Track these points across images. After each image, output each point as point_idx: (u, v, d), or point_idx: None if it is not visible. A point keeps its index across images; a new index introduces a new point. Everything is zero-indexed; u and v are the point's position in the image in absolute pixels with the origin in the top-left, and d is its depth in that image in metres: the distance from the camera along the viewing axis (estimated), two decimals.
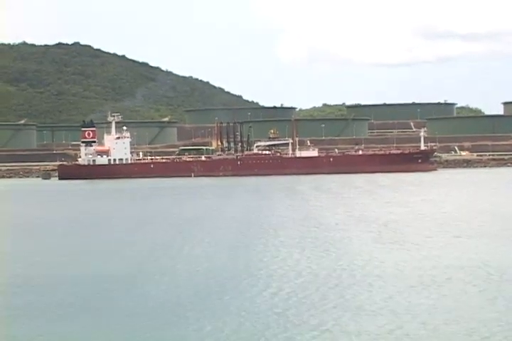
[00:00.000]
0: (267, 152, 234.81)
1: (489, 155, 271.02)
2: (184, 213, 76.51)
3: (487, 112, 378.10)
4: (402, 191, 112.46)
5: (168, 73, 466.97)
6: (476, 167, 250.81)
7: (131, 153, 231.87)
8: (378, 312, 27.46)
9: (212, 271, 37.70)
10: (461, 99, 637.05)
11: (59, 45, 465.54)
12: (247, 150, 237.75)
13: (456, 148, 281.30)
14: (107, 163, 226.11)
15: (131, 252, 45.99)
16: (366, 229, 55.56)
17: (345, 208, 76.91)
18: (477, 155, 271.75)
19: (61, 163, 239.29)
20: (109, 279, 36.14)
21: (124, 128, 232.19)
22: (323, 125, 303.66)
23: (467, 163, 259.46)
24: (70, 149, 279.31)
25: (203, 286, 33.49)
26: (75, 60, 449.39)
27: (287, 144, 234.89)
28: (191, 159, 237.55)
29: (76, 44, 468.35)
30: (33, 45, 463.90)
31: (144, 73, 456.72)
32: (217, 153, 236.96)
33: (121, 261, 42.29)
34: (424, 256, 40.96)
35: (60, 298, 31.67)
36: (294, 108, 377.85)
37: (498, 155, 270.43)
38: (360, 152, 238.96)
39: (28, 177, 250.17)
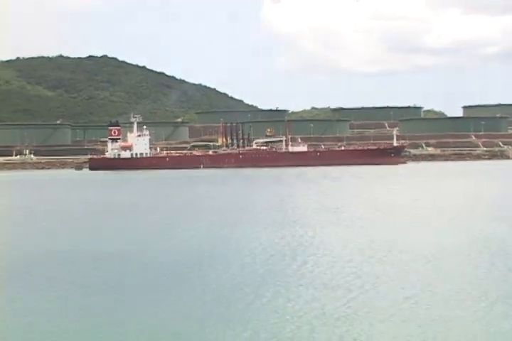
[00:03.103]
0: (264, 147, 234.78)
1: (451, 150, 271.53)
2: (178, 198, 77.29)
3: (449, 114, 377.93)
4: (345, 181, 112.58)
5: (182, 81, 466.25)
6: (440, 160, 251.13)
7: (150, 148, 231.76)
8: None
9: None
10: (428, 103, 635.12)
11: (90, 57, 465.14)
12: (247, 146, 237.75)
13: (423, 144, 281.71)
14: (129, 156, 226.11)
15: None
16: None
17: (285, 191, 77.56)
18: (440, 151, 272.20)
19: (91, 156, 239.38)
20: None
21: (144, 127, 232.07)
22: (312, 125, 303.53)
23: (432, 157, 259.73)
24: (98, 145, 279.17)
25: None
26: (103, 69, 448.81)
27: (281, 141, 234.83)
28: (200, 153, 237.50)
29: (104, 56, 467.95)
30: (68, 58, 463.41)
31: (161, 81, 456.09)
32: (223, 149, 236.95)
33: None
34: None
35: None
36: (287, 110, 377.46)
37: (458, 150, 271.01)
38: (343, 148, 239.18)
39: (63, 168, 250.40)
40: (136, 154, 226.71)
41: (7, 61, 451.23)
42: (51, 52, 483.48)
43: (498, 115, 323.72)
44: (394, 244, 34.81)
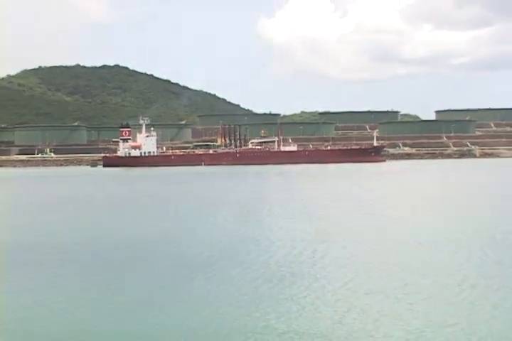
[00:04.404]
0: (259, 147, 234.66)
1: (424, 150, 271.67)
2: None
3: (423, 118, 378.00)
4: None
5: (185, 88, 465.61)
6: (415, 159, 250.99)
7: (157, 147, 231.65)
8: None
9: None
10: (404, 108, 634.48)
11: (104, 66, 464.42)
12: (244, 145, 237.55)
13: (400, 144, 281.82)
14: (139, 155, 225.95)
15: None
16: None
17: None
18: (415, 150, 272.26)
19: (105, 154, 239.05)
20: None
21: (152, 128, 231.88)
22: (301, 127, 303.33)
23: (408, 156, 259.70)
24: (111, 144, 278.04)
25: None
26: (115, 77, 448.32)
27: (274, 141, 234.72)
28: (202, 152, 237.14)
29: (116, 66, 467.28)
30: (84, 67, 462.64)
31: (167, 88, 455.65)
32: (222, 148, 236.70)
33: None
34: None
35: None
36: (279, 114, 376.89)
37: (431, 150, 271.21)
38: (329, 147, 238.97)
39: (79, 165, 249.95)
40: (145, 153, 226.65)
41: (30, 70, 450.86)
42: (69, 62, 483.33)
43: (466, 118, 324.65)
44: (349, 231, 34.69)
